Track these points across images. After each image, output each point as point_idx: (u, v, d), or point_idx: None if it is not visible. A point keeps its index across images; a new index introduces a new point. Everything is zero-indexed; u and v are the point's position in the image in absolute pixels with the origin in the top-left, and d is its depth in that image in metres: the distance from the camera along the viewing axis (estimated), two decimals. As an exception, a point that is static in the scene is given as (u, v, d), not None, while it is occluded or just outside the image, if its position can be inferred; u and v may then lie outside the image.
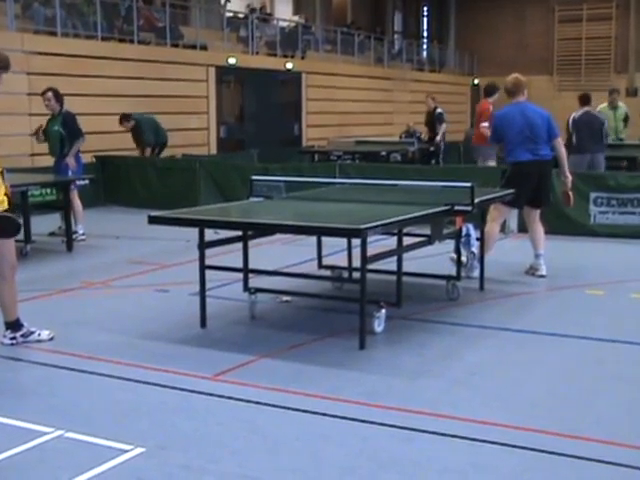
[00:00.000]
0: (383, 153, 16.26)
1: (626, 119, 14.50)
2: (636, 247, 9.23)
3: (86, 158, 11.66)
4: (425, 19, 35.50)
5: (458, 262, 6.91)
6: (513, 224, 9.89)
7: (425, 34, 35.28)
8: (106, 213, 12.62)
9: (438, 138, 16.29)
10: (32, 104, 13.26)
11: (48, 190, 10.93)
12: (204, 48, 18.93)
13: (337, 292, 7.00)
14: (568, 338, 5.69)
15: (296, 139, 22.04)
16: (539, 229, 7.74)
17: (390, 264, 6.01)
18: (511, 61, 29.61)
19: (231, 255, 6.91)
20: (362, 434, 4.00)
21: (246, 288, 6.27)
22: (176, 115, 16.82)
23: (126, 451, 3.75)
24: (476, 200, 6.23)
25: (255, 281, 6.43)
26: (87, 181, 10.20)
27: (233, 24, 21.45)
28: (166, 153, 14.55)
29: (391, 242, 6.18)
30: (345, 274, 6.75)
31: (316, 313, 6.47)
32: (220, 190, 12.16)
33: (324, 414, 4.24)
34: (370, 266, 5.45)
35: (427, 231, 6.53)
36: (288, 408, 4.32)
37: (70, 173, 10.05)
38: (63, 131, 10.06)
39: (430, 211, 6.03)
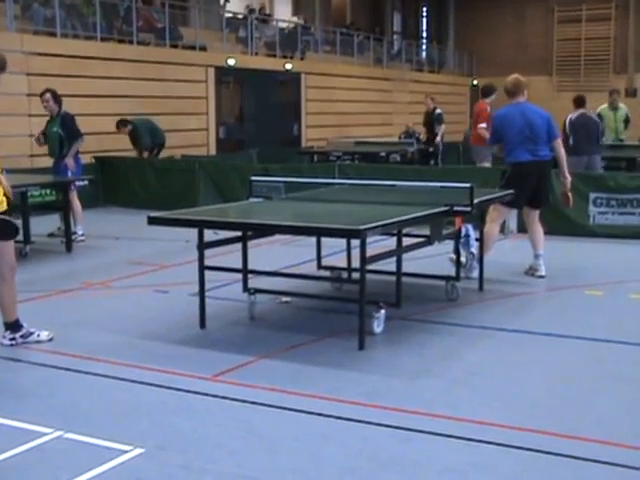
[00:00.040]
0: (382, 154, 16.27)
1: (627, 120, 14.48)
2: (635, 248, 9.23)
3: (85, 159, 11.67)
4: (424, 19, 35.46)
5: (457, 263, 6.91)
6: (512, 225, 9.90)
7: (424, 34, 35.26)
8: (105, 214, 12.61)
9: (438, 139, 16.29)
10: (31, 105, 13.25)
11: (47, 191, 10.96)
12: (203, 49, 18.93)
13: (336, 293, 7.01)
14: (567, 338, 5.69)
15: (295, 140, 22.02)
16: (538, 230, 7.75)
17: (389, 265, 6.01)
18: (510, 61, 29.61)
19: (230, 256, 6.91)
20: (362, 434, 4.00)
21: (245, 289, 6.27)
22: (175, 116, 16.82)
23: (125, 451, 3.76)
24: (475, 201, 6.23)
25: (254, 282, 6.43)
26: (86, 182, 10.22)
27: (232, 25, 21.44)
28: (165, 154, 14.52)
29: (390, 243, 6.19)
30: (344, 275, 6.77)
31: (315, 314, 6.47)
32: (219, 191, 12.15)
33: (323, 414, 4.23)
34: (369, 267, 5.45)
35: (426, 232, 6.53)
36: (287, 408, 4.32)
37: (69, 174, 10.05)
38: (62, 132, 10.07)
39: (429, 212, 6.03)
